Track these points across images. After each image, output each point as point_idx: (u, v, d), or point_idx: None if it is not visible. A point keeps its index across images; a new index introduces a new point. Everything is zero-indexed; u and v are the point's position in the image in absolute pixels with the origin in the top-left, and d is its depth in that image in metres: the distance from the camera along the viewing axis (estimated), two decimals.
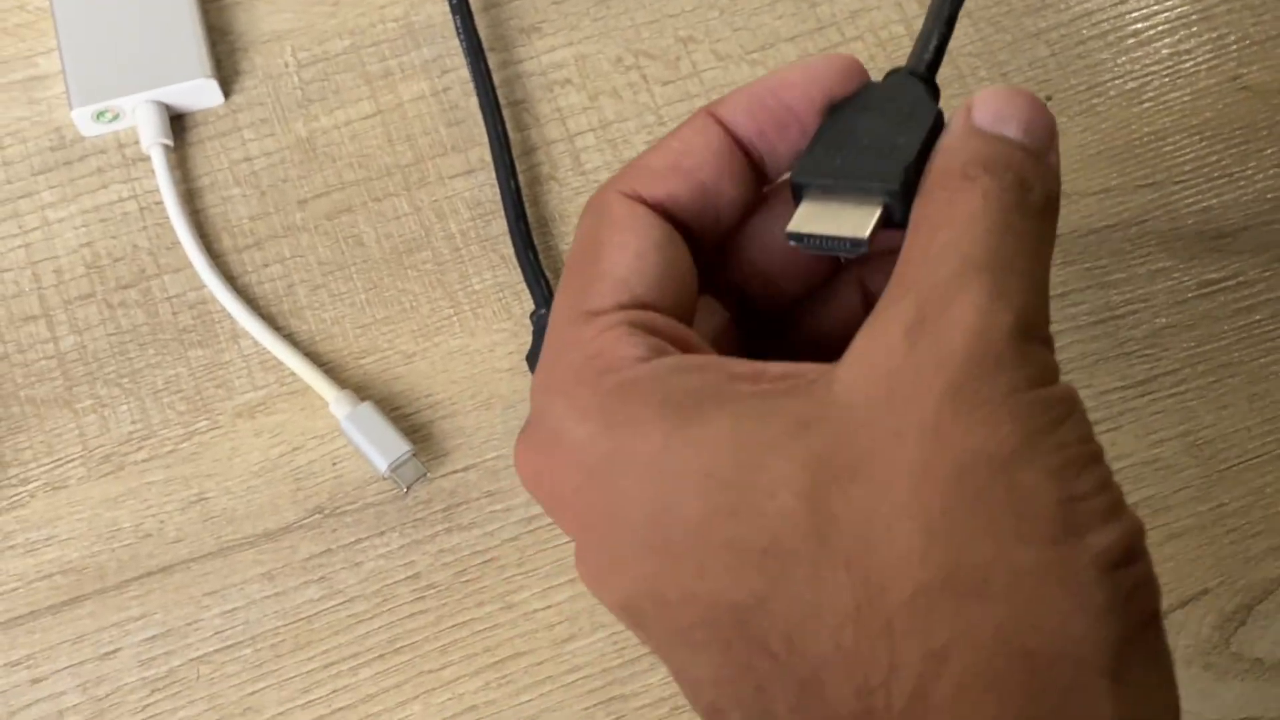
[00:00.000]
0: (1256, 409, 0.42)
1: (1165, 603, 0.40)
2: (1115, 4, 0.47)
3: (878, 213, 0.26)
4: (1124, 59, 0.46)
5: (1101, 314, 0.43)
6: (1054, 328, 0.41)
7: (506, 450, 0.42)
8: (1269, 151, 0.45)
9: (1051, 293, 0.42)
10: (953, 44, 0.45)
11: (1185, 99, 0.46)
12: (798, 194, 0.27)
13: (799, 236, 0.26)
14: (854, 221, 0.26)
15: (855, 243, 0.26)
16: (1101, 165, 0.45)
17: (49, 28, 0.46)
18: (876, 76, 0.43)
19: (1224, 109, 0.46)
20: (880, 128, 0.27)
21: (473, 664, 0.40)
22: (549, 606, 0.41)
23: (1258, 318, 0.43)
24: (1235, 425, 0.42)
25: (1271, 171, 0.45)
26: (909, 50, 0.46)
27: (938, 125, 0.27)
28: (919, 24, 0.46)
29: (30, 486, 0.42)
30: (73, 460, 0.42)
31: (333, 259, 0.45)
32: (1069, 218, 0.44)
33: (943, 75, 0.31)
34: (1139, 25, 0.47)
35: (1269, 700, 0.39)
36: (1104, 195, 0.45)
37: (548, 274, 0.43)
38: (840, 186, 0.26)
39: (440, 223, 0.45)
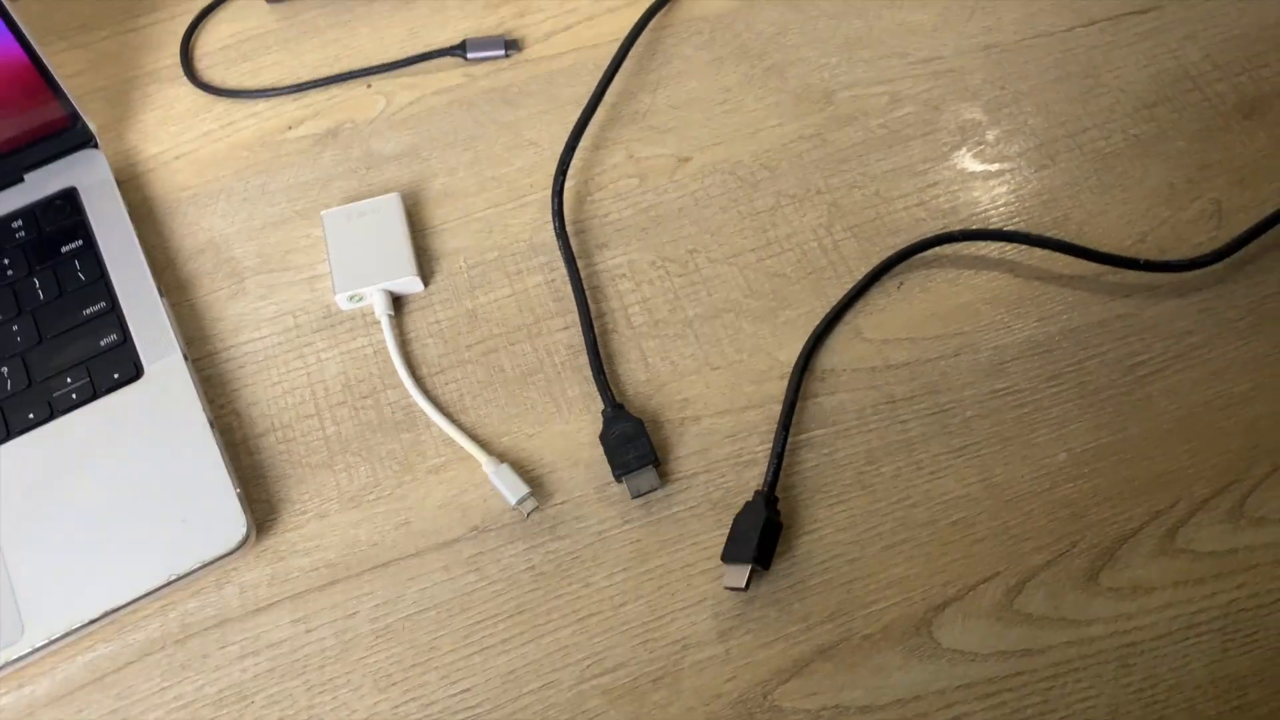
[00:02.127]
0: None
1: None
2: None
3: (748, 570, 0.39)
4: None
5: None
6: None
7: (587, 491, 0.43)
8: None
9: None
10: None
11: None
12: (725, 563, 0.40)
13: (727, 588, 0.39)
14: (737, 575, 0.39)
15: (737, 588, 0.39)
16: None
17: (323, 248, 0.49)
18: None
19: None
20: (747, 526, 0.40)
21: (565, 620, 0.41)
22: (610, 585, 0.41)
23: None
24: None
25: None
26: (830, 263, 0.47)
27: (769, 524, 0.40)
28: (843, 245, 0.48)
29: (306, 515, 0.43)
30: (331, 500, 0.44)
31: (485, 379, 0.45)
32: None
33: None
34: None
35: None
36: None
37: (612, 389, 0.44)
38: (733, 560, 0.39)
39: (549, 358, 0.46)
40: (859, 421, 0.44)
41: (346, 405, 0.46)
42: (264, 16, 0.56)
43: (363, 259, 0.47)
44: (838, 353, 0.46)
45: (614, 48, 0.54)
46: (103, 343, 0.46)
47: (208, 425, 0.44)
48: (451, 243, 0.49)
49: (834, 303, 0.47)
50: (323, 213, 0.48)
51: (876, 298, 0.47)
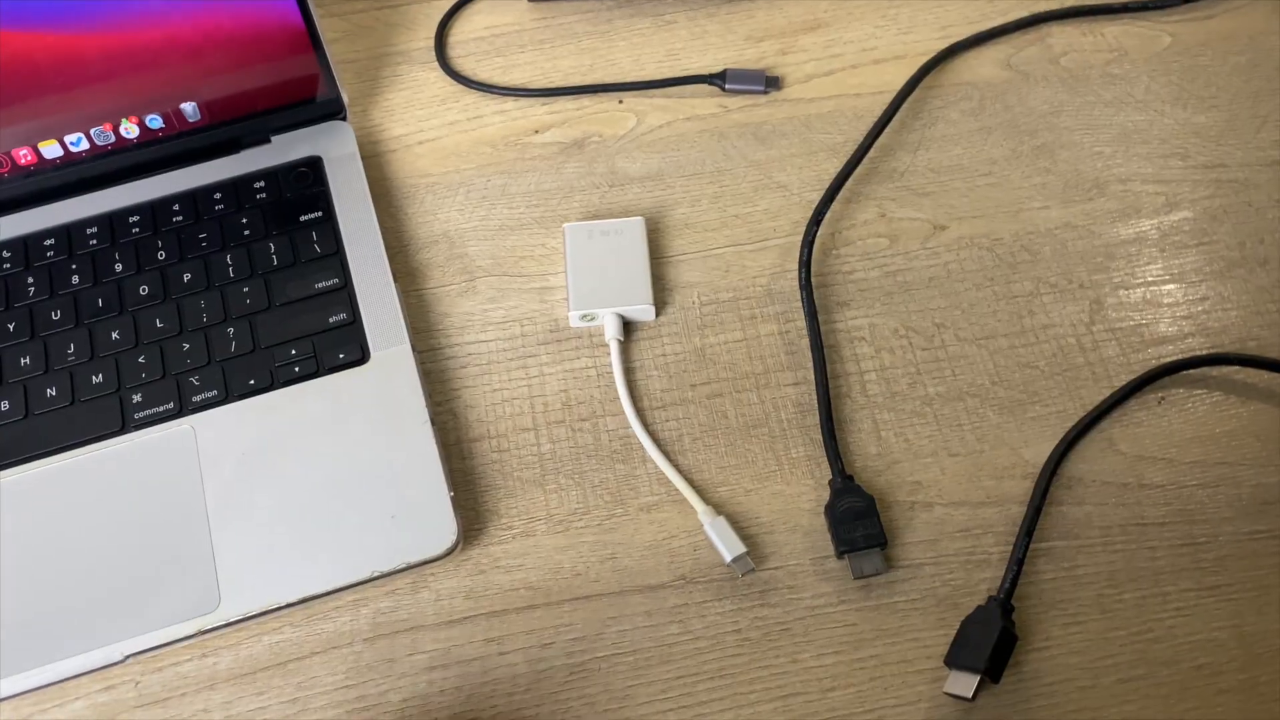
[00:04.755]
0: None
1: None
2: None
3: (976, 680, 0.37)
4: None
5: None
6: None
7: (803, 561, 0.41)
8: None
9: None
10: None
11: None
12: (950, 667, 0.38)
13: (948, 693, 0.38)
14: (965, 684, 0.37)
15: (961, 697, 0.37)
16: None
17: (559, 260, 0.48)
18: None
19: None
20: (979, 633, 0.38)
21: (768, 695, 0.39)
22: (820, 665, 0.40)
23: None
24: None
25: None
26: (1088, 362, 0.44)
27: (1005, 634, 0.37)
28: (1104, 347, 0.46)
29: (512, 532, 0.42)
30: (539, 520, 0.43)
31: (707, 423, 0.44)
32: None
33: None
34: None
35: None
36: None
37: (841, 457, 0.43)
38: (961, 667, 0.37)
39: (775, 412, 0.44)
40: (1104, 539, 0.41)
41: (564, 425, 0.44)
42: (522, 13, 0.55)
43: (601, 279, 0.46)
44: (1088, 462, 0.43)
45: (875, 99, 0.52)
46: (332, 319, 0.45)
47: (428, 422, 0.43)
48: (687, 275, 0.48)
49: (1088, 407, 0.44)
50: (565, 225, 0.48)
51: (1135, 409, 0.44)
